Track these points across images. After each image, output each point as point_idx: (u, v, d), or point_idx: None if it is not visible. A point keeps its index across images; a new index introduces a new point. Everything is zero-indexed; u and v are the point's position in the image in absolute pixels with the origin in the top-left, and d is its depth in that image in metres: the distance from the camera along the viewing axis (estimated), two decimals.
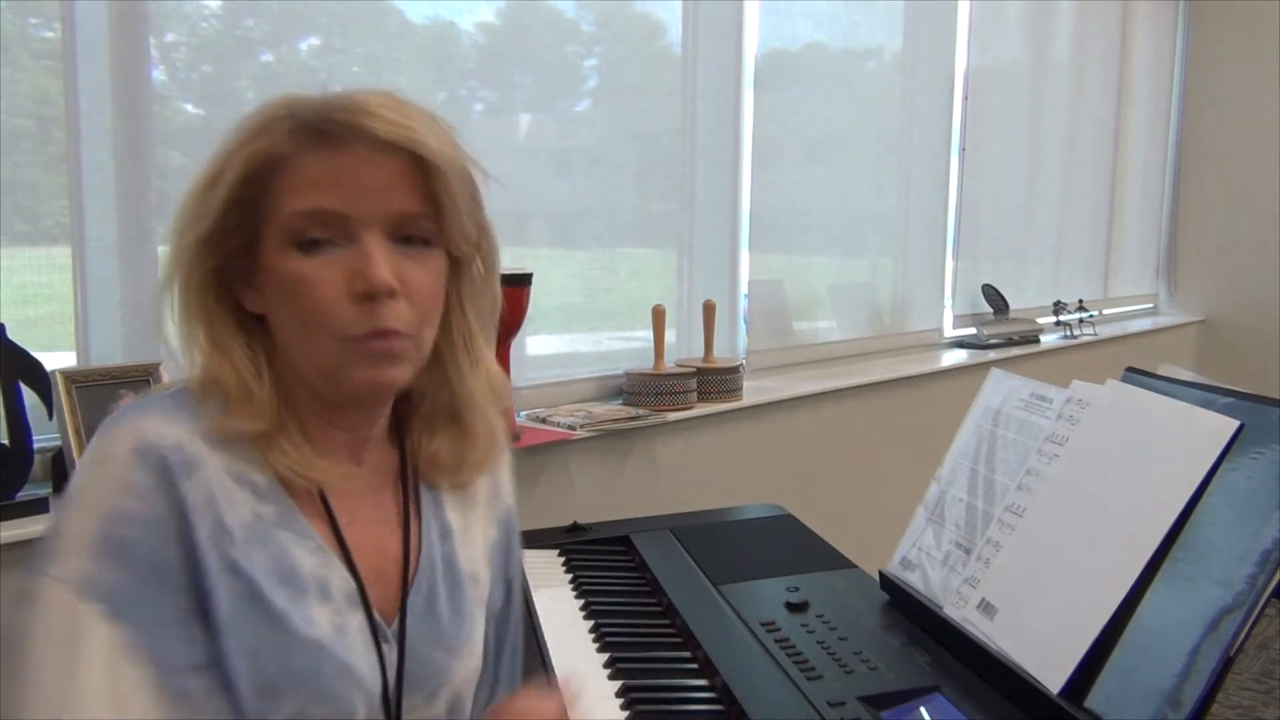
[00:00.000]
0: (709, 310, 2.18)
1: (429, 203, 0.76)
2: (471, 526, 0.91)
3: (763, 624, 1.16)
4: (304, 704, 0.75)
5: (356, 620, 0.78)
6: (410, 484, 0.87)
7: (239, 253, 0.77)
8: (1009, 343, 3.25)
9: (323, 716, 0.76)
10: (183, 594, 0.71)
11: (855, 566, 1.38)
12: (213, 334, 0.78)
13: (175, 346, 0.79)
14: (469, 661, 0.87)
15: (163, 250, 0.78)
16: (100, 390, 1.32)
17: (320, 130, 0.74)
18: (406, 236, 0.76)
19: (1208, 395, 0.99)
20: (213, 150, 0.77)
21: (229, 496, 0.75)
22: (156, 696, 0.69)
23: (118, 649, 0.68)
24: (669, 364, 2.12)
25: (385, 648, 0.80)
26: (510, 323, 1.71)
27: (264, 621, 0.74)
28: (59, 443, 1.32)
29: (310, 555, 0.77)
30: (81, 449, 1.27)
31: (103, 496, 0.70)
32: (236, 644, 0.73)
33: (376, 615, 0.80)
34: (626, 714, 1.01)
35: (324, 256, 0.74)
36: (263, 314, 0.79)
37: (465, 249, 0.81)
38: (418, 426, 0.87)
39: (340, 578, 0.79)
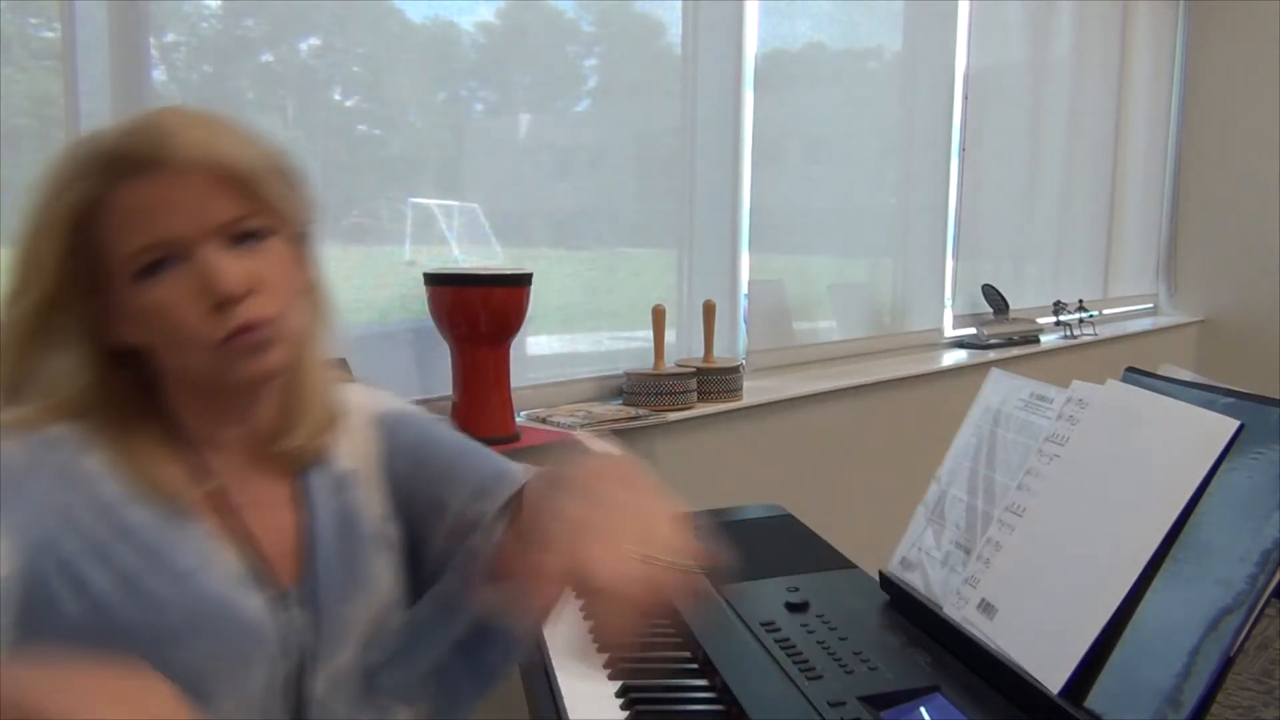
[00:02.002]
0: (709, 310, 2.18)
1: (252, 202, 0.79)
2: (357, 465, 0.93)
3: (763, 624, 1.16)
4: (203, 656, 0.78)
5: (252, 595, 0.82)
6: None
7: (92, 294, 0.79)
8: (1009, 343, 3.25)
9: (218, 668, 0.79)
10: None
11: (855, 566, 1.38)
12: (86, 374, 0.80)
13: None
14: (371, 602, 0.90)
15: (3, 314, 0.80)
16: None
17: (125, 163, 0.75)
18: (241, 235, 0.78)
19: (1208, 395, 0.99)
20: (31, 206, 0.78)
21: (101, 497, 0.78)
22: None
23: None
24: (669, 364, 2.12)
25: (287, 613, 0.83)
26: (510, 323, 1.71)
27: (166, 579, 0.77)
28: None
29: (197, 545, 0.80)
30: None
31: None
32: (130, 610, 0.75)
33: (274, 586, 0.84)
34: (626, 714, 1.01)
35: (169, 276, 0.76)
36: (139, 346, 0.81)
37: (304, 227, 0.85)
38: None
39: (230, 561, 0.82)
